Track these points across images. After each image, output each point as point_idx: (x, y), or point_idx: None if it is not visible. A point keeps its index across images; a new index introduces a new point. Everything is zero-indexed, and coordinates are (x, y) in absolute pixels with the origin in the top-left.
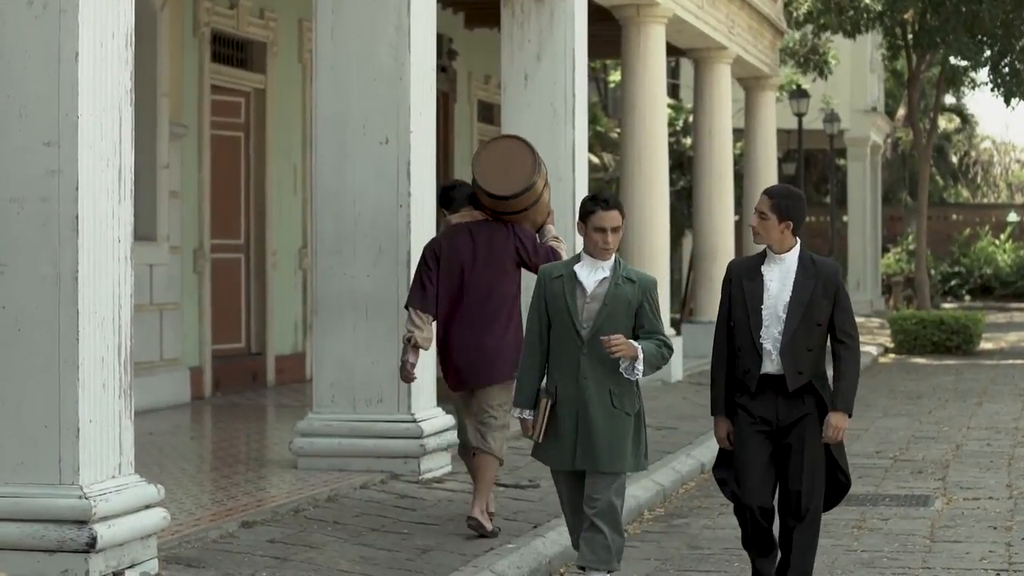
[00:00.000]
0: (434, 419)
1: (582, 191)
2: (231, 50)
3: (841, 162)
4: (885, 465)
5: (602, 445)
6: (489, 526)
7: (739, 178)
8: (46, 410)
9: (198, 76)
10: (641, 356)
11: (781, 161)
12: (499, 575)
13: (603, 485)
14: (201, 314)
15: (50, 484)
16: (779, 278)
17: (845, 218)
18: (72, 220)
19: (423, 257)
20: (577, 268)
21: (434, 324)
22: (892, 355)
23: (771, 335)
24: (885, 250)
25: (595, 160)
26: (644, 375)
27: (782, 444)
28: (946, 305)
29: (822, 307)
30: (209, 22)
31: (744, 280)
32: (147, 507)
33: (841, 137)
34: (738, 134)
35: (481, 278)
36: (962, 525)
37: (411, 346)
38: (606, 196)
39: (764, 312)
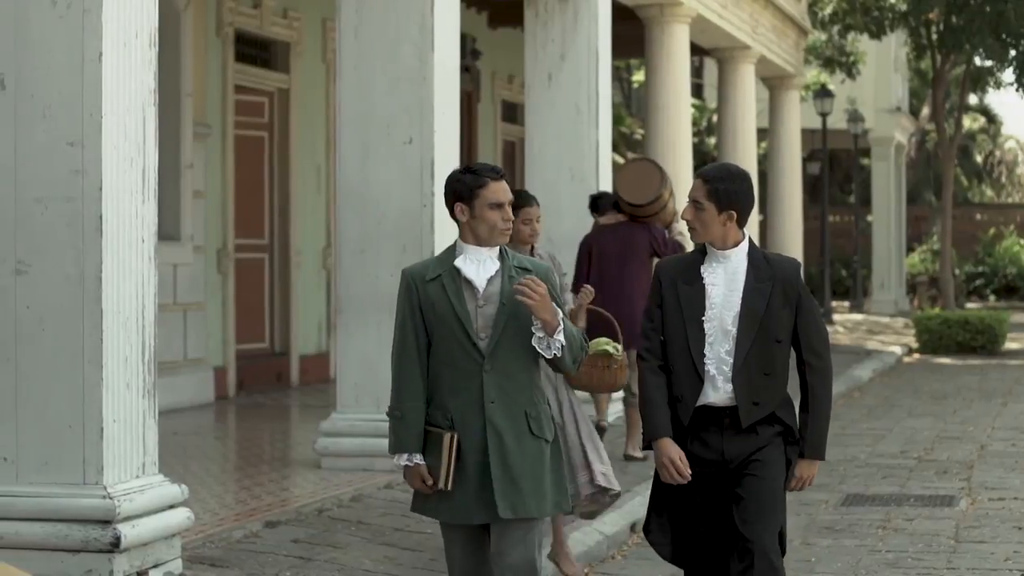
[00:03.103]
0: None
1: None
2: (255, 50)
3: (865, 162)
4: (910, 465)
5: (525, 485)
6: (639, 454)
7: (763, 178)
8: (70, 410)
9: (222, 76)
10: (562, 327)
11: (805, 161)
12: None
13: (517, 538)
14: (225, 314)
15: (74, 484)
16: (724, 282)
17: (869, 218)
18: (96, 220)
19: (580, 252)
20: (459, 263)
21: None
22: (917, 355)
23: (716, 355)
24: (910, 250)
25: (619, 160)
26: (560, 362)
27: (731, 486)
28: (971, 305)
29: (781, 319)
30: (233, 22)
31: (680, 283)
32: (171, 507)
33: (865, 137)
34: (762, 134)
35: (623, 265)
36: (987, 525)
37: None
38: (490, 165)
39: (707, 325)
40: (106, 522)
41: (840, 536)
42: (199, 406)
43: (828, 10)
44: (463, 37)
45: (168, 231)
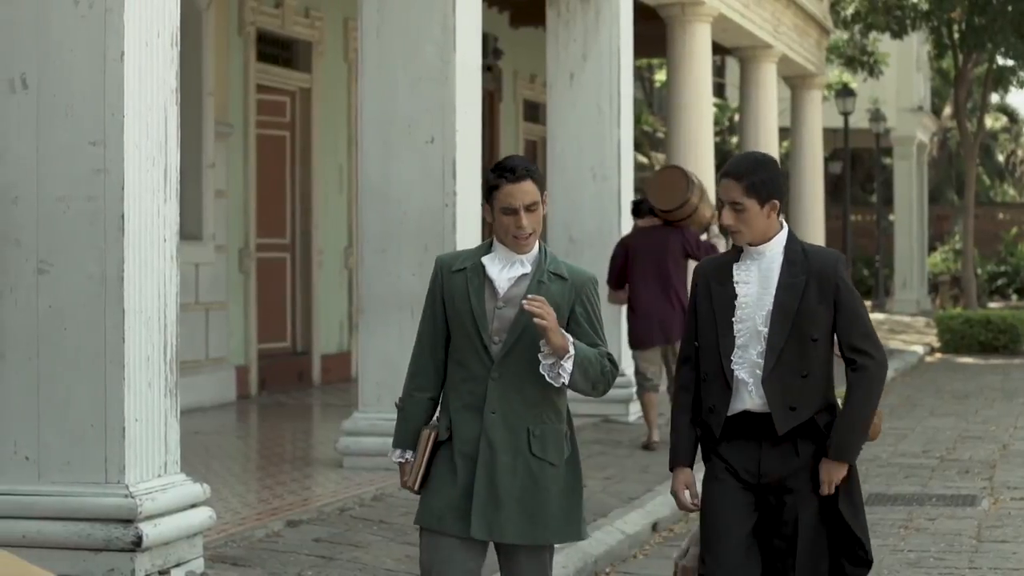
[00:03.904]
0: None
1: (628, 190)
2: (276, 49)
3: (887, 161)
4: (932, 465)
5: (510, 507)
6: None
7: (785, 177)
8: (92, 409)
9: (243, 75)
10: (572, 353)
11: (827, 160)
12: None
13: (525, 567)
14: (247, 313)
15: (96, 483)
16: (758, 279)
17: (891, 217)
18: (118, 219)
19: (615, 251)
20: (486, 260)
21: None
22: (939, 354)
23: (748, 359)
24: (932, 249)
25: (642, 159)
26: (575, 386)
27: (767, 509)
28: (993, 304)
29: (818, 315)
30: (254, 21)
31: (713, 284)
32: (193, 506)
33: (887, 136)
34: (784, 133)
35: (658, 266)
36: (1009, 525)
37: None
38: (514, 163)
39: (737, 327)
40: (128, 521)
41: None
42: (221, 405)
43: (850, 9)
44: (485, 36)
45: (190, 230)
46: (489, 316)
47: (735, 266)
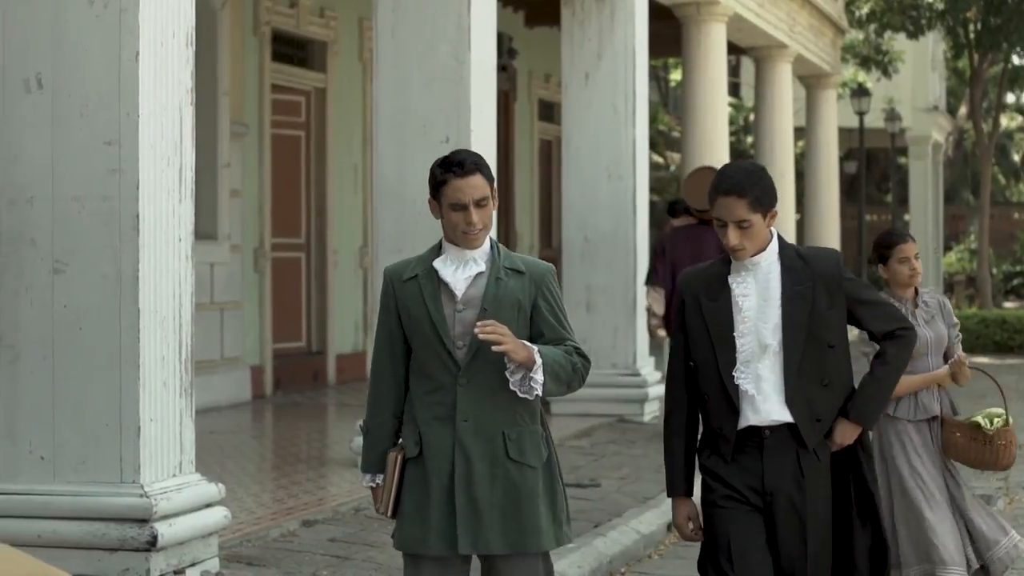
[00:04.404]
0: None
1: (643, 190)
2: (291, 49)
3: (903, 161)
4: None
5: (494, 517)
6: None
7: (800, 177)
8: (107, 409)
9: (258, 75)
10: (540, 363)
11: (842, 160)
12: (560, 574)
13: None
14: (262, 313)
15: (111, 483)
16: (757, 291)
17: (907, 217)
18: (133, 219)
19: (654, 250)
20: (438, 263)
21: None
22: None
23: (753, 373)
24: (947, 249)
25: (657, 159)
26: (549, 393)
27: (771, 516)
28: (1008, 304)
29: (831, 320)
30: (269, 21)
31: (704, 299)
32: (208, 506)
33: (903, 136)
34: (799, 133)
35: (694, 262)
36: None
37: (651, 312)
38: (462, 157)
39: (740, 342)
40: (143, 521)
41: None
42: (236, 405)
43: (865, 9)
44: (500, 36)
45: (205, 230)
46: (449, 321)
47: (731, 279)
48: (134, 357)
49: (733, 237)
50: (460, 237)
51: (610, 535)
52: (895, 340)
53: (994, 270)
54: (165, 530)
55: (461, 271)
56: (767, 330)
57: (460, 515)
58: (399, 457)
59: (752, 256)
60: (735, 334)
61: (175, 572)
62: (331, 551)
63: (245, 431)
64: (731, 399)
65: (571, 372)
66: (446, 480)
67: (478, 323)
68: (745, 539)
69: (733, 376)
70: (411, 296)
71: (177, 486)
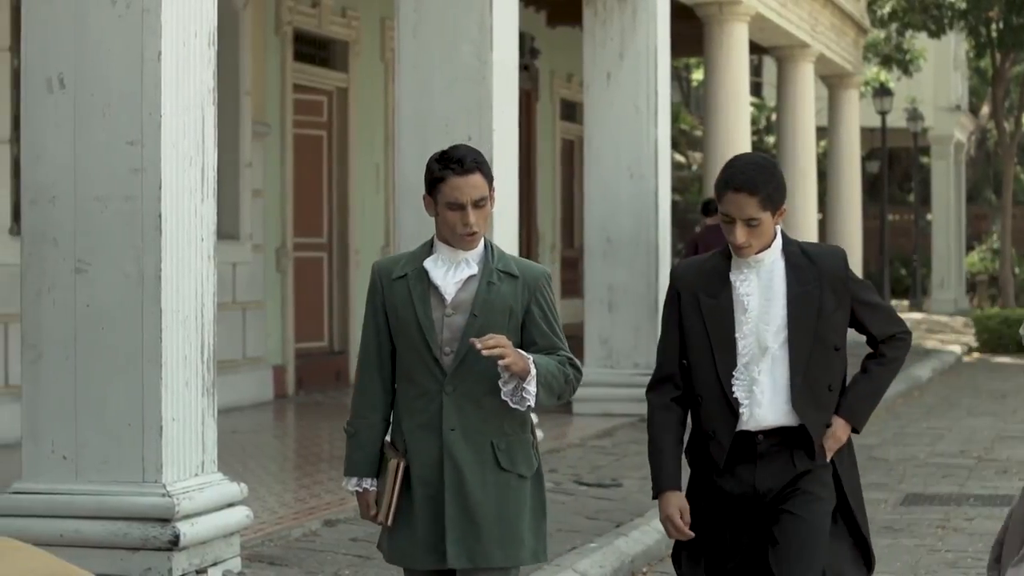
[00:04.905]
0: None
1: (665, 190)
2: (313, 49)
3: (925, 160)
4: (969, 465)
5: (488, 529)
6: None
7: (822, 177)
8: (129, 408)
9: (280, 75)
10: (534, 373)
11: (864, 159)
12: (582, 574)
13: None
14: (284, 312)
15: (133, 482)
16: (760, 290)
17: (929, 216)
18: (155, 219)
19: (686, 247)
20: (429, 263)
21: None
22: (976, 354)
23: (750, 376)
24: (969, 248)
25: (679, 158)
26: (539, 404)
27: (767, 523)
28: None
29: (837, 322)
30: (291, 21)
31: (703, 296)
32: (230, 505)
33: (925, 135)
34: (821, 132)
35: None
36: None
37: None
38: (461, 153)
39: (741, 344)
40: (165, 520)
41: (899, 536)
42: (258, 405)
43: (887, 8)
44: (522, 36)
45: (227, 230)
46: (437, 325)
47: (732, 276)
48: (156, 357)
49: (741, 235)
50: (455, 238)
51: (632, 535)
52: (895, 342)
53: (1016, 269)
54: (187, 529)
55: (452, 273)
56: (769, 332)
57: (451, 527)
58: (401, 465)
59: (756, 253)
60: (737, 335)
61: (197, 571)
62: (353, 551)
63: (267, 431)
64: (730, 403)
65: (563, 384)
66: (433, 490)
67: (477, 339)
68: (716, 544)
69: (733, 378)
70: (399, 296)
71: (199, 485)
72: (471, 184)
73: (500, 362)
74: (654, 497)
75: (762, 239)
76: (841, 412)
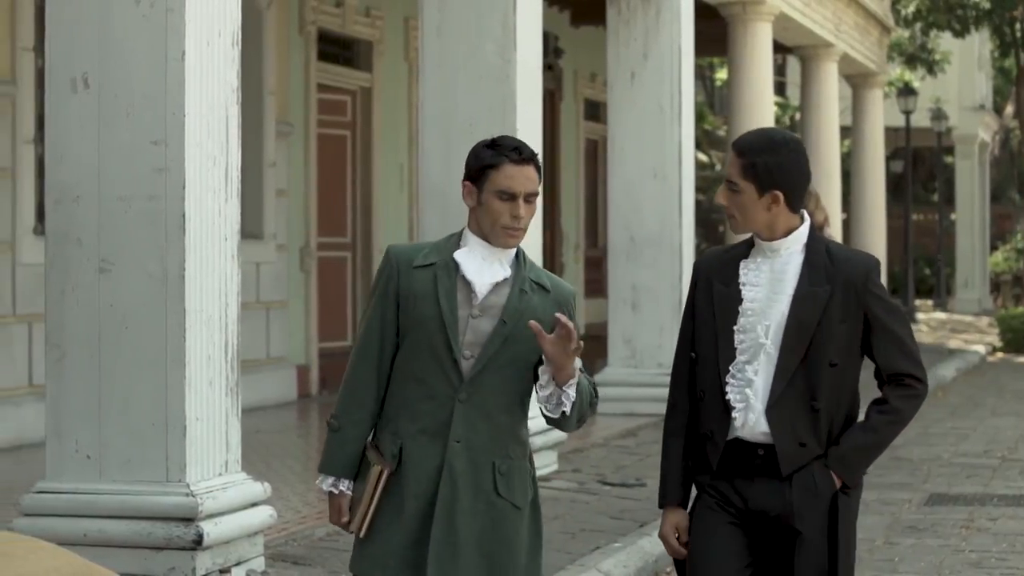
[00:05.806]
0: (536, 417)
1: (689, 190)
2: (337, 48)
3: (949, 160)
4: (993, 465)
5: (469, 555)
6: None
7: (846, 176)
8: (153, 408)
9: (304, 75)
10: (576, 379)
11: (888, 159)
12: (605, 574)
13: None
14: (308, 312)
15: (157, 482)
16: (768, 281)
17: (953, 216)
18: (179, 218)
19: None
20: (461, 256)
21: None
22: (1000, 354)
23: (744, 378)
24: (993, 248)
25: (702, 158)
26: (564, 416)
27: (765, 546)
28: None
29: (839, 336)
30: (315, 20)
31: (716, 284)
32: (254, 505)
33: (949, 135)
34: (845, 132)
35: None
36: None
37: None
38: (517, 142)
39: (739, 337)
40: (189, 520)
41: (923, 536)
42: (282, 404)
43: (911, 7)
44: (545, 35)
45: (251, 229)
46: (461, 325)
47: (742, 263)
48: (180, 356)
49: (721, 196)
50: (495, 232)
51: (655, 535)
52: (904, 390)
53: None
54: (211, 529)
55: (487, 272)
56: (763, 329)
57: (434, 547)
58: (384, 474)
59: (771, 240)
60: (735, 327)
61: (221, 571)
62: None
63: (291, 430)
64: (726, 400)
65: (587, 406)
66: (425, 505)
67: (560, 315)
68: (718, 552)
69: (729, 374)
70: (420, 287)
71: (223, 485)
72: (526, 175)
73: (571, 347)
74: (660, 506)
75: (746, 217)
76: (831, 462)
